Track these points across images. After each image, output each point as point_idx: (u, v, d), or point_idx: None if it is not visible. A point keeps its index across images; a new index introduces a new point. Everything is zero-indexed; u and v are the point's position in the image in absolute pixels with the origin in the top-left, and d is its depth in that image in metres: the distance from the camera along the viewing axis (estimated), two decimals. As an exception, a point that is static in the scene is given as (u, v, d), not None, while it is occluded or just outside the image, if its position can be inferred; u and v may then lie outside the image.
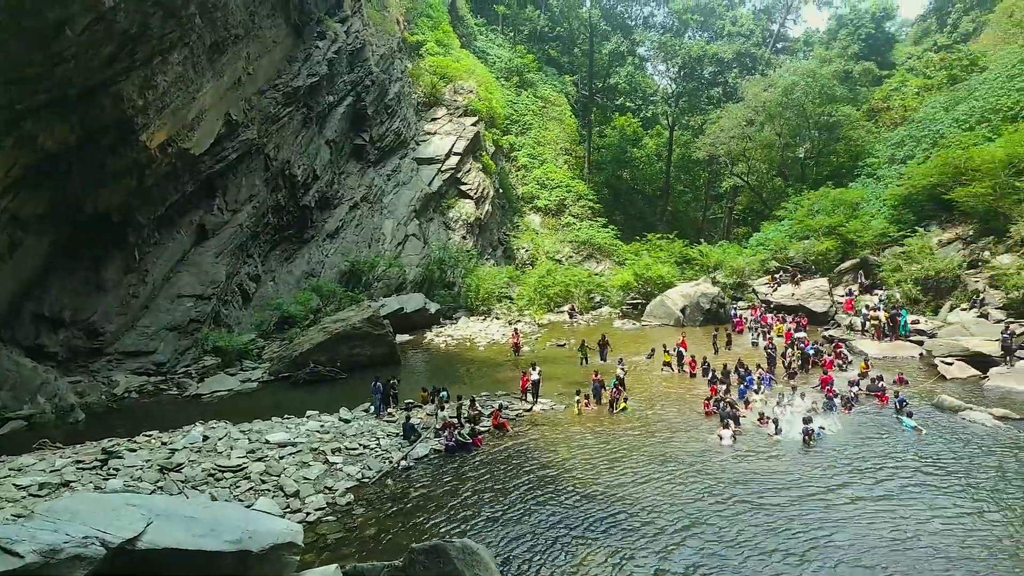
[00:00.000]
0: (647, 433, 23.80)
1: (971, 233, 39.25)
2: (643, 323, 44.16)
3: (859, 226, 44.59)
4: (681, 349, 33.26)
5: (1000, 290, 34.12)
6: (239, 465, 19.74)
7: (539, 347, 38.28)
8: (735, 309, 43.91)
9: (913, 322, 35.18)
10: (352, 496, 18.75)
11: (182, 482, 18.66)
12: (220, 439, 21.76)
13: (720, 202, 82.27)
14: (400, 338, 38.33)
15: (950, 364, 29.53)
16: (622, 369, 29.40)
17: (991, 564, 14.74)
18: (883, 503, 17.79)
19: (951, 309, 35.53)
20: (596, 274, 53.66)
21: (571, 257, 57.65)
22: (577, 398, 26.71)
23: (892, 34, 78.55)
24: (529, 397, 27.67)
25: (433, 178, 54.80)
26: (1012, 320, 32.01)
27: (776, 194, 64.59)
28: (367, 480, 19.83)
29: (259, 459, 20.35)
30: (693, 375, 30.55)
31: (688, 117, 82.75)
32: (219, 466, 19.56)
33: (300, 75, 41.86)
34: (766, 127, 64.10)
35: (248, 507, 16.52)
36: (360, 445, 22.05)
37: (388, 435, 23.27)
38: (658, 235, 56.57)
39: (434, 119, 59.77)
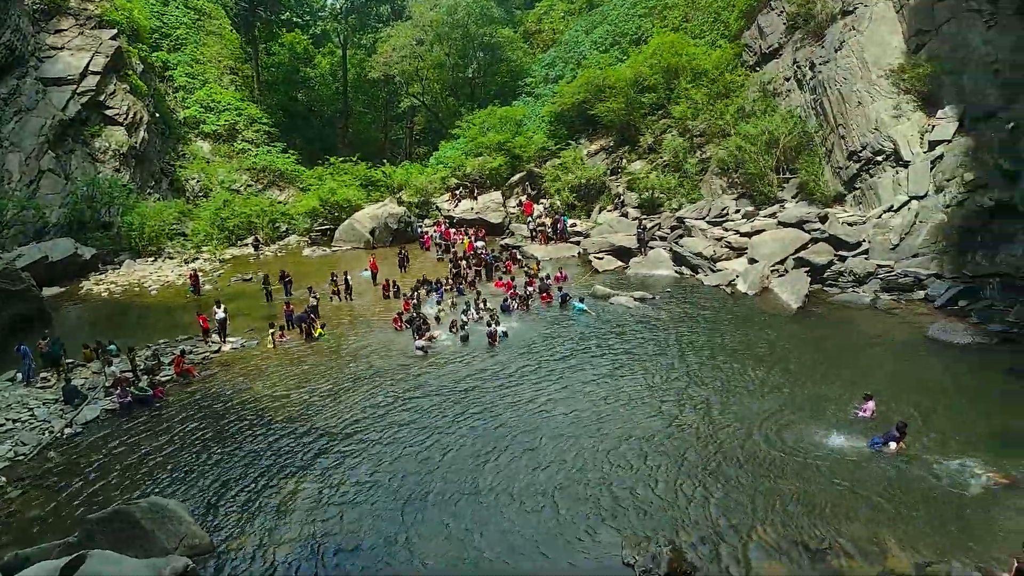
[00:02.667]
0: (344, 356, 23.99)
1: (611, 144, 45.25)
2: (333, 248, 43.62)
3: (524, 142, 48.62)
4: (372, 270, 33.72)
5: (635, 192, 40.18)
6: None
7: (223, 284, 35.75)
8: (421, 227, 45.50)
9: (572, 225, 39.97)
10: (3, 478, 16.05)
11: None
12: None
13: (400, 122, 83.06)
14: (49, 291, 32.83)
15: (601, 258, 34.34)
16: (314, 297, 28.91)
17: (653, 406, 17.98)
18: (565, 380, 20.48)
19: (600, 211, 41.05)
20: (279, 202, 51.16)
21: (250, 186, 53.96)
22: (272, 330, 25.73)
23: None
24: (215, 337, 25.91)
25: (68, 102, 46.32)
26: (644, 216, 38.11)
27: (451, 113, 67.08)
28: (23, 457, 17.10)
29: None
30: (387, 296, 31.25)
31: (360, 35, 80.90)
32: None
33: None
34: (435, 47, 65.58)
35: None
36: (7, 420, 18.79)
37: (44, 403, 20.14)
38: (341, 158, 55.50)
39: (59, 31, 50.04)
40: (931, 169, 28.35)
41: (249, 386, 21.50)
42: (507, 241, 40.61)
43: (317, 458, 16.66)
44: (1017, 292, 23.60)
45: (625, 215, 39.37)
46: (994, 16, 27.41)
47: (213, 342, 25.60)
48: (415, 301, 28.84)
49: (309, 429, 18.19)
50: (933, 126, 29.19)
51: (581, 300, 27.73)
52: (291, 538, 13.54)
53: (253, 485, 15.54)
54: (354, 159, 54.75)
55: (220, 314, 26.21)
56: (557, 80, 54.92)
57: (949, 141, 28.21)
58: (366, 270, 34.47)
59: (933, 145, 28.75)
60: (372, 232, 43.80)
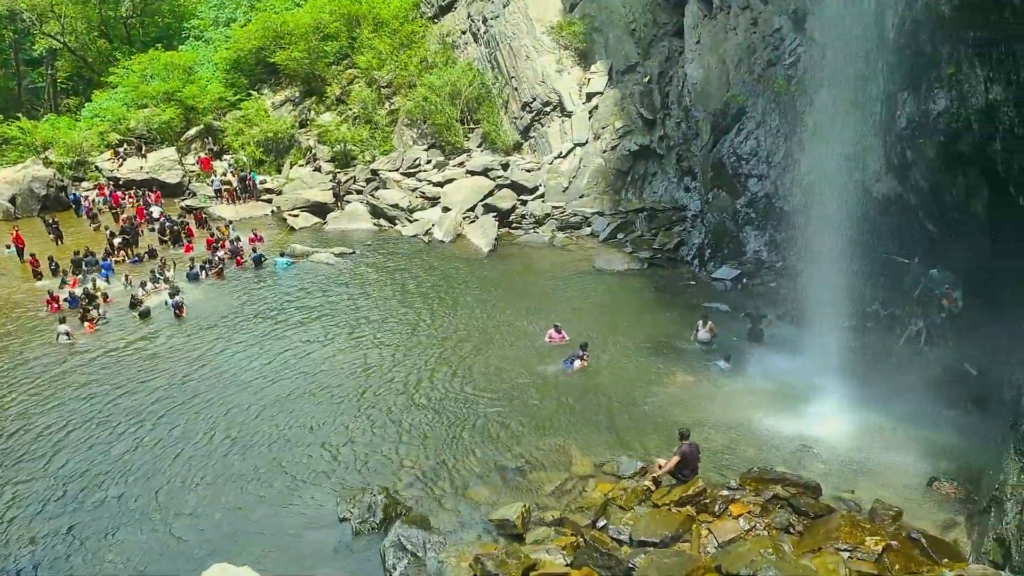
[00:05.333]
0: (-12, 352, 20.06)
1: (297, 95, 43.15)
2: (-40, 223, 35.63)
3: (196, 91, 44.03)
4: (16, 245, 28.36)
5: (326, 145, 39.05)
6: None
7: None
8: (76, 192, 39.19)
9: (262, 182, 37.65)
10: None
11: None
12: None
13: (38, 68, 69.70)
14: None
15: (296, 216, 33.01)
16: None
17: (354, 365, 17.92)
18: (267, 344, 19.46)
19: (291, 166, 39.22)
20: None
21: None
22: None
23: None
24: None
25: None
26: (338, 170, 37.35)
27: (104, 58, 57.95)
28: None
29: None
30: (39, 274, 26.48)
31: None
32: None
33: None
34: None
35: None
36: None
37: None
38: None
39: None
40: (589, 118, 31.96)
41: None
42: (188, 203, 36.91)
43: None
44: (659, 223, 27.98)
45: (318, 169, 38.18)
46: (629, -19, 31.34)
47: None
48: (80, 277, 25.01)
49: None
50: (589, 79, 32.80)
51: (283, 255, 27.00)
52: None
53: None
54: (-24, 113, 44.93)
55: None
56: (229, 23, 50.39)
57: (602, 93, 31.97)
58: (9, 246, 28.89)
59: (590, 97, 32.35)
60: (12, 200, 36.62)
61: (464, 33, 38.06)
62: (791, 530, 10.99)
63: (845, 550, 10.04)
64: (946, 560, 9.97)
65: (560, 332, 19.59)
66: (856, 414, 15.14)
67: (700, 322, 19.71)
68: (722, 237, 25.14)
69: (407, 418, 15.83)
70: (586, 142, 31.58)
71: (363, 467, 14.08)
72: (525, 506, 12.12)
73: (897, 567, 9.77)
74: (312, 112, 41.95)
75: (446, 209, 31.29)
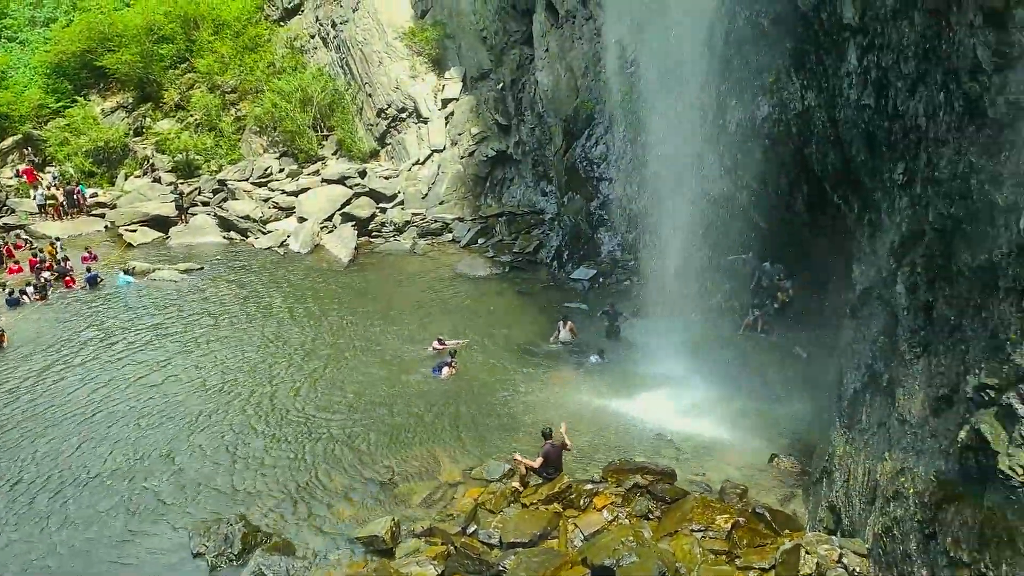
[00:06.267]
0: None
1: (131, 101, 40.02)
2: None
3: (11, 98, 39.76)
4: None
5: (166, 154, 36.51)
6: None
7: None
8: None
9: (92, 195, 34.61)
10: None
11: None
12: None
13: None
14: None
15: (134, 231, 30.60)
16: None
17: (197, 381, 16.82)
18: (106, 372, 17.83)
19: (126, 177, 36.30)
20: None
21: None
22: None
23: None
24: None
25: None
26: (181, 181, 35.04)
27: None
28: None
29: None
30: None
31: None
32: None
33: None
34: None
35: None
36: None
37: None
38: None
39: None
40: (446, 125, 32.00)
41: None
42: (6, 220, 33.24)
43: None
44: (519, 227, 28.49)
45: (158, 180, 35.61)
46: (478, -11, 31.73)
47: None
48: None
49: None
50: (444, 86, 32.84)
51: (127, 272, 25.16)
52: None
53: None
54: None
55: None
56: (49, 24, 45.98)
57: (457, 99, 32.11)
58: None
59: (446, 103, 32.40)
60: None
61: (313, 37, 36.92)
62: (650, 516, 11.53)
63: (698, 530, 10.66)
64: (787, 531, 10.82)
65: (443, 343, 19.45)
66: (705, 400, 16.13)
67: (561, 323, 20.27)
68: (578, 239, 25.99)
69: (264, 440, 15.08)
70: (444, 148, 31.59)
71: (216, 496, 13.24)
72: (394, 520, 11.90)
73: (745, 542, 10.48)
74: (148, 119, 39.09)
75: (302, 219, 30.18)
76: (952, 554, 7.44)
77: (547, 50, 28.04)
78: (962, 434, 7.42)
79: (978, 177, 7.72)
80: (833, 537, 10.10)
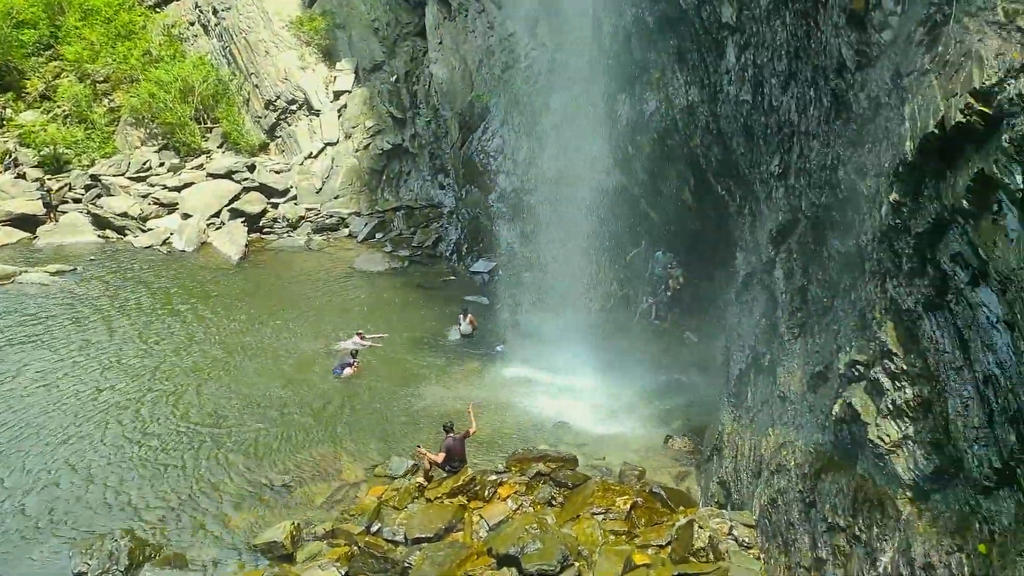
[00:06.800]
0: None
1: (-12, 90, 36.73)
2: None
3: None
4: None
5: (31, 148, 33.70)
6: None
7: None
8: None
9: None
10: None
11: None
12: None
13: None
14: None
15: (-4, 231, 28.11)
16: None
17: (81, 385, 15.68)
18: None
19: (-15, 173, 33.28)
20: None
21: None
22: None
23: None
24: None
25: None
26: (49, 177, 32.42)
27: None
28: None
29: None
30: None
31: None
32: None
33: None
34: None
35: None
36: None
37: None
38: None
39: None
40: (339, 117, 31.21)
41: None
42: None
43: None
44: (417, 221, 28.23)
45: (22, 176, 32.70)
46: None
47: None
48: None
49: None
50: (335, 77, 32.00)
51: None
52: None
53: None
54: None
55: None
56: None
57: (350, 92, 31.39)
58: None
59: (338, 95, 31.59)
60: None
61: (193, 24, 35.04)
62: (554, 502, 11.75)
63: (599, 513, 10.97)
64: (681, 508, 11.31)
65: (364, 338, 19.08)
66: (603, 387, 16.60)
67: (461, 316, 20.28)
68: (477, 232, 26.04)
69: (146, 450, 14.24)
70: (337, 141, 30.81)
71: (95, 512, 12.38)
72: (294, 523, 11.56)
73: (643, 521, 10.88)
74: (9, 110, 35.91)
75: (186, 216, 28.65)
76: (830, 520, 8.01)
77: (441, 43, 27.87)
78: (836, 408, 7.98)
79: (845, 168, 8.30)
80: (724, 511, 10.65)
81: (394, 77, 30.37)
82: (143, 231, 28.33)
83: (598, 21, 17.38)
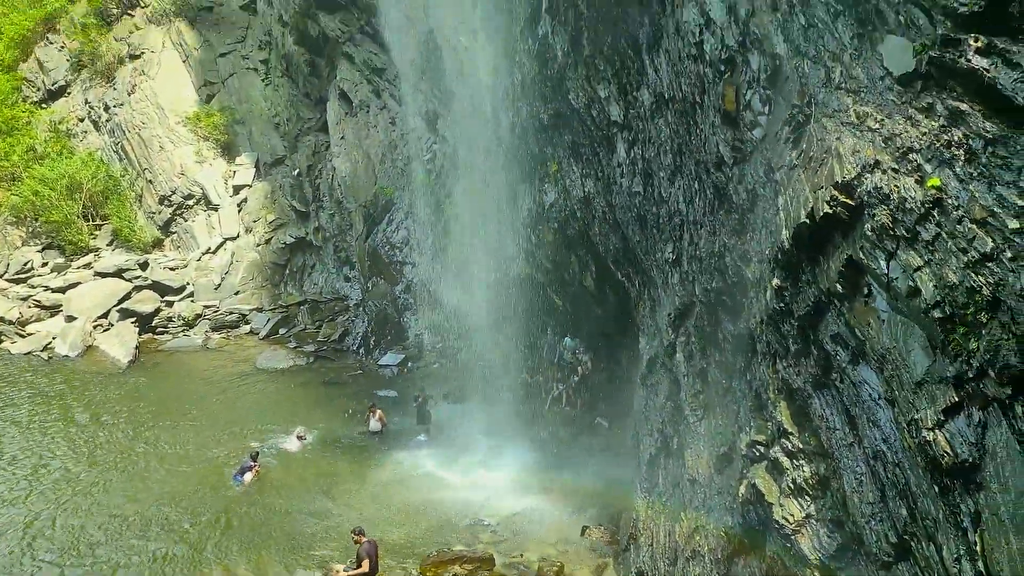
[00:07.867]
0: None
1: None
2: None
3: None
4: None
5: None
6: None
7: None
8: None
9: None
10: None
11: None
12: None
13: None
14: None
15: None
16: None
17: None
18: None
19: None
20: None
21: None
22: None
23: None
24: None
25: None
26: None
27: None
28: None
29: None
30: None
31: None
32: None
33: None
34: None
35: None
36: None
37: None
38: None
39: None
40: (239, 211, 30.62)
41: None
42: None
43: None
44: (322, 314, 27.59)
45: None
46: (268, 75, 31.32)
47: None
48: None
49: None
50: (235, 172, 31.58)
51: None
52: None
53: None
54: None
55: None
56: None
57: (250, 186, 30.98)
58: None
59: (238, 189, 31.10)
60: None
61: (83, 120, 34.02)
62: (470, 608, 11.19)
63: (519, 615, 10.51)
64: (601, 602, 11.01)
65: (303, 437, 18.44)
66: (518, 479, 16.26)
67: (370, 412, 19.65)
68: (384, 324, 25.65)
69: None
70: (237, 236, 30.10)
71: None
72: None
73: (564, 619, 10.50)
74: None
75: (71, 318, 26.89)
76: (745, 605, 7.96)
77: (343, 137, 28.12)
78: (741, 489, 8.08)
79: (731, 255, 8.74)
80: (644, 602, 10.44)
81: (296, 171, 30.27)
82: (21, 336, 26.35)
83: (496, 116, 18.02)
